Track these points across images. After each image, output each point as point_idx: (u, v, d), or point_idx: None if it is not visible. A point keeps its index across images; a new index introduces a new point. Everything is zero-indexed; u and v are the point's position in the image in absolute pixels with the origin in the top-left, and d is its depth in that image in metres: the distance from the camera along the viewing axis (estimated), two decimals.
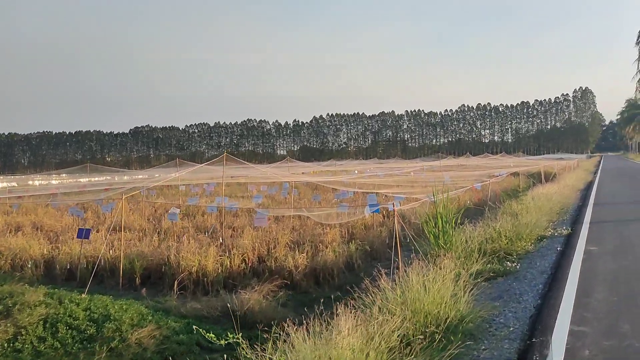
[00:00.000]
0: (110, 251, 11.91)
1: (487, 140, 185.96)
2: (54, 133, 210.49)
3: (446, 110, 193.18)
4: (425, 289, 6.15)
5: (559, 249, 10.51)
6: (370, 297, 6.20)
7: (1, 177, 69.35)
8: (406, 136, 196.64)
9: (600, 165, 66.99)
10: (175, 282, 9.99)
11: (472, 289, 6.60)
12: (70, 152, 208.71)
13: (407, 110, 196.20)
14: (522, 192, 21.20)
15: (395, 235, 9.15)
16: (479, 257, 8.99)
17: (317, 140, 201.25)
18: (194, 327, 6.78)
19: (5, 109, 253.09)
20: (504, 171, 35.58)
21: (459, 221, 10.46)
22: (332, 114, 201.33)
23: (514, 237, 10.51)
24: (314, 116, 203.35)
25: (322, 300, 7.52)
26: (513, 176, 35.80)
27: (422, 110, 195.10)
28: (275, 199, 24.26)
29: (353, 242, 13.25)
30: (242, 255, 11.53)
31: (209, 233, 12.66)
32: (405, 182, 29.88)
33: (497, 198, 18.36)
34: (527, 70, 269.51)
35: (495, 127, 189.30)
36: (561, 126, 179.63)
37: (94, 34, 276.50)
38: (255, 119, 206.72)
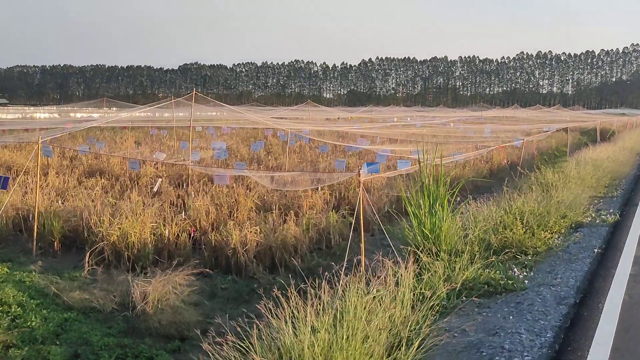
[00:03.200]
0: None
1: (545, 91, 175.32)
2: (106, 66, 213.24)
3: (503, 57, 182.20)
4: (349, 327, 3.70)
5: (596, 249, 7.31)
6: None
7: None
8: (458, 84, 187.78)
9: None
10: (87, 254, 7.86)
11: (432, 324, 4.08)
12: (122, 86, 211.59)
13: (460, 57, 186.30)
14: (568, 153, 17.84)
15: (359, 216, 6.60)
16: (479, 254, 6.39)
17: (364, 84, 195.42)
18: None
19: (62, 40, 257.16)
20: (554, 126, 31.72)
21: (459, 197, 7.77)
22: (381, 58, 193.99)
23: (537, 224, 7.68)
24: (363, 59, 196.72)
25: (269, 288, 5.37)
26: (565, 132, 31.97)
27: (477, 57, 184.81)
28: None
29: (340, 209, 10.84)
30: (192, 222, 9.32)
31: (153, 191, 10.43)
32: (430, 136, 26.75)
33: (534, 161, 15.20)
34: (593, 17, 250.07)
35: (555, 77, 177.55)
36: (627, 79, 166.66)
37: None
38: (302, 60, 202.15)
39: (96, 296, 6.52)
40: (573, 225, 8.59)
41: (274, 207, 9.99)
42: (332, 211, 10.08)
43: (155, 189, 10.24)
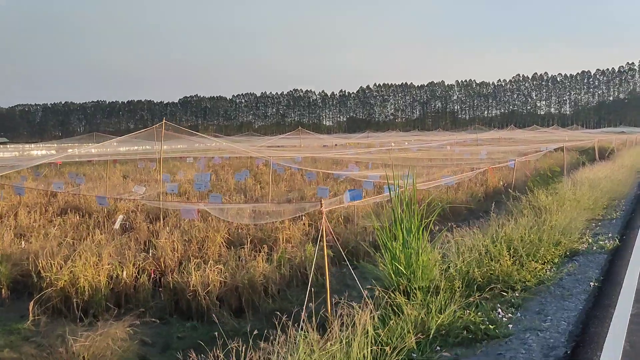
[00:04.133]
0: None
1: (543, 113, 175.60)
2: (107, 102, 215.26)
3: (499, 80, 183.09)
4: None
5: (592, 283, 6.41)
6: None
7: None
8: (456, 107, 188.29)
9: None
10: (31, 302, 7.11)
11: None
12: (123, 121, 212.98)
13: (457, 80, 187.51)
14: (565, 173, 17.11)
15: (324, 251, 5.87)
16: (459, 291, 5.63)
17: (363, 111, 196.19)
18: None
19: (62, 78, 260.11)
20: (551, 146, 31.07)
21: (448, 224, 7.03)
22: (378, 84, 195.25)
23: (527, 253, 6.93)
24: (361, 86, 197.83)
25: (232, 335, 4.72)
26: (565, 152, 31.26)
27: (474, 80, 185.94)
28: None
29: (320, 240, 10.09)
30: (156, 261, 8.58)
31: (115, 228, 9.70)
32: (425, 159, 26.16)
33: (528, 182, 14.42)
34: (587, 38, 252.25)
35: (552, 98, 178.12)
36: (625, 98, 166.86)
37: (146, 5, 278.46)
38: (301, 89, 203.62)
39: (27, 355, 5.76)
40: (568, 253, 7.76)
41: (246, 242, 9.24)
42: (310, 243, 9.33)
43: (116, 226, 9.52)
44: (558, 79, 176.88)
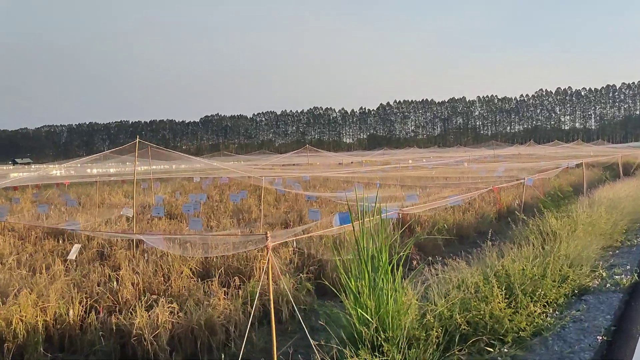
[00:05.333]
0: None
1: (567, 127, 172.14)
2: (130, 122, 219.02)
3: (522, 95, 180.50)
4: None
5: (601, 336, 5.04)
6: None
7: None
8: (478, 123, 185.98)
9: None
10: None
11: None
12: (146, 141, 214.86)
13: (479, 96, 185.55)
14: (585, 192, 15.82)
15: (269, 295, 4.90)
16: (437, 344, 4.59)
17: (384, 128, 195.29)
18: None
19: (87, 98, 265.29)
20: (573, 162, 29.59)
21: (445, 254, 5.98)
22: (399, 101, 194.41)
23: (525, 292, 5.83)
24: (381, 103, 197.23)
25: None
26: (588, 169, 29.72)
27: (495, 96, 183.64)
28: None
29: (303, 270, 9.13)
30: (112, 296, 7.69)
31: (71, 258, 8.83)
32: (441, 178, 24.99)
33: (539, 202, 13.15)
34: (612, 51, 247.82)
35: (577, 112, 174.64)
36: None
37: (166, 24, 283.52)
38: (321, 107, 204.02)
39: None
40: (576, 291, 6.52)
41: (215, 273, 8.31)
42: (286, 275, 8.35)
43: (71, 256, 8.69)
44: (582, 93, 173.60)
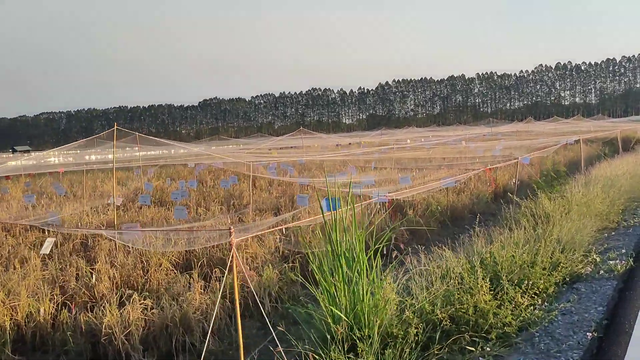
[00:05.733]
0: None
1: (567, 103, 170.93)
2: (129, 107, 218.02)
3: (521, 71, 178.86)
4: None
5: (591, 332, 4.65)
6: None
7: None
8: (477, 100, 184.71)
9: None
10: None
11: None
12: (145, 126, 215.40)
13: (478, 73, 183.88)
14: (583, 169, 15.44)
15: (234, 294, 4.59)
16: (413, 344, 4.29)
17: (383, 107, 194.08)
18: None
19: (85, 84, 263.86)
20: (572, 138, 29.15)
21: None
22: (398, 80, 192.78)
23: (510, 283, 5.49)
24: (380, 83, 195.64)
25: None
26: (584, 144, 29.29)
27: (495, 72, 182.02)
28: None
29: (289, 259, 8.86)
30: (88, 291, 7.41)
31: (45, 252, 8.53)
32: (439, 158, 24.62)
33: (534, 180, 12.75)
34: (611, 24, 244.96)
35: (577, 87, 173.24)
36: None
37: (164, 8, 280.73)
38: (320, 88, 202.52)
39: None
40: (567, 278, 6.11)
41: (195, 265, 8.03)
42: (269, 266, 8.06)
43: (44, 251, 8.39)
44: (582, 67, 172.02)
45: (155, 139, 19.28)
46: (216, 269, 7.92)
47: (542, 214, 8.14)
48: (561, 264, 6.13)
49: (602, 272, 6.19)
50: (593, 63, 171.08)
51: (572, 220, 7.73)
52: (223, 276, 7.82)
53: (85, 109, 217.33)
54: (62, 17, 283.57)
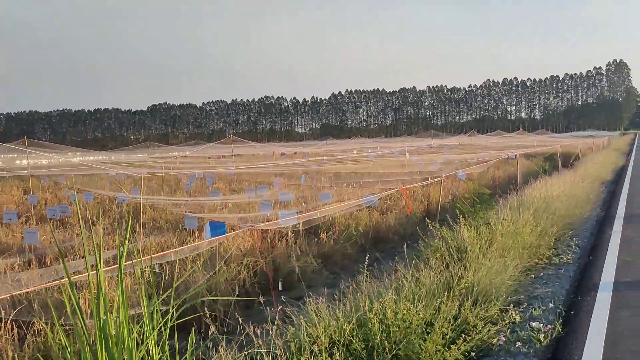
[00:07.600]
0: None
1: (513, 117, 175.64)
2: (73, 111, 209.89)
3: (470, 85, 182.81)
4: None
5: None
6: None
7: None
8: (428, 113, 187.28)
9: (635, 144, 58.11)
10: None
11: None
12: (90, 130, 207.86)
13: (428, 86, 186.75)
14: (519, 187, 14.26)
15: None
16: None
17: (336, 117, 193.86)
18: None
19: (26, 87, 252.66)
20: (513, 153, 28.48)
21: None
22: (350, 90, 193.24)
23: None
24: (332, 92, 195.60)
25: None
26: (528, 159, 28.72)
27: (445, 86, 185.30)
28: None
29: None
30: None
31: None
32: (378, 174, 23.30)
33: (458, 203, 11.28)
34: (556, 43, 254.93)
35: (522, 103, 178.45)
36: (593, 102, 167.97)
37: (111, 9, 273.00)
38: (272, 96, 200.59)
39: None
40: (473, 354, 4.34)
41: None
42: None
43: None
44: (527, 83, 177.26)
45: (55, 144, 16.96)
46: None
47: (460, 247, 6.62)
48: (467, 329, 4.52)
49: (519, 343, 4.50)
50: (538, 80, 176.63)
51: (493, 257, 6.23)
52: None
53: (27, 112, 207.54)
54: (7, 16, 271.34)
